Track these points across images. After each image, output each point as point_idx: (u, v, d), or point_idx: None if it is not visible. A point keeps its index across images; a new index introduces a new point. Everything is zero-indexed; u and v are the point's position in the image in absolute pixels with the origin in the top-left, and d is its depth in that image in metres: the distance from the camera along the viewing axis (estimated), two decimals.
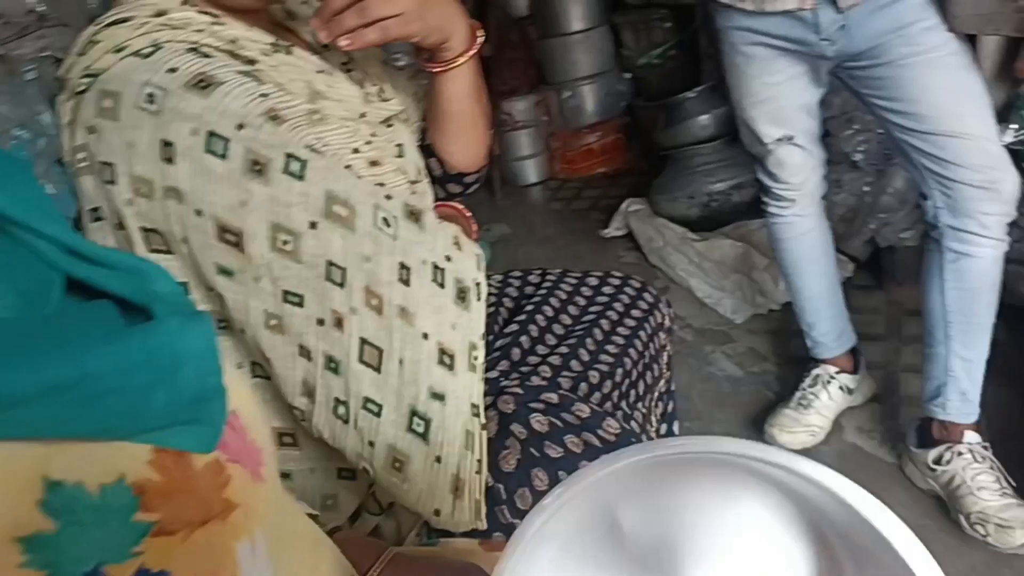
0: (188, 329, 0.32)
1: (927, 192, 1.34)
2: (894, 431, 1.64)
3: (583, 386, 0.95)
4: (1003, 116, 1.81)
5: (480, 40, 0.89)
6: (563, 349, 0.99)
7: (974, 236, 1.31)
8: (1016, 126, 1.75)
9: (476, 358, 0.77)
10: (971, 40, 1.33)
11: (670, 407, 1.15)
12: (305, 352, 0.72)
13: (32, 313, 0.31)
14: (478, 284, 0.79)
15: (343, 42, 0.76)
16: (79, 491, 0.27)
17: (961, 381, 1.41)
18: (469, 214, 0.96)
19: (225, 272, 0.71)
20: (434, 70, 0.88)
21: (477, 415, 0.76)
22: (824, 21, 1.26)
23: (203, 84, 0.69)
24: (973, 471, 1.40)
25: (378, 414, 0.73)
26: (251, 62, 0.76)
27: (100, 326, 0.32)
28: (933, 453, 1.45)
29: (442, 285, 0.76)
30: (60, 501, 0.27)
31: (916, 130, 1.28)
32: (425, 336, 0.74)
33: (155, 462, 0.30)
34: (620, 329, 1.05)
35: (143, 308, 0.33)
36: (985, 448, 1.43)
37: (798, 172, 1.50)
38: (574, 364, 0.97)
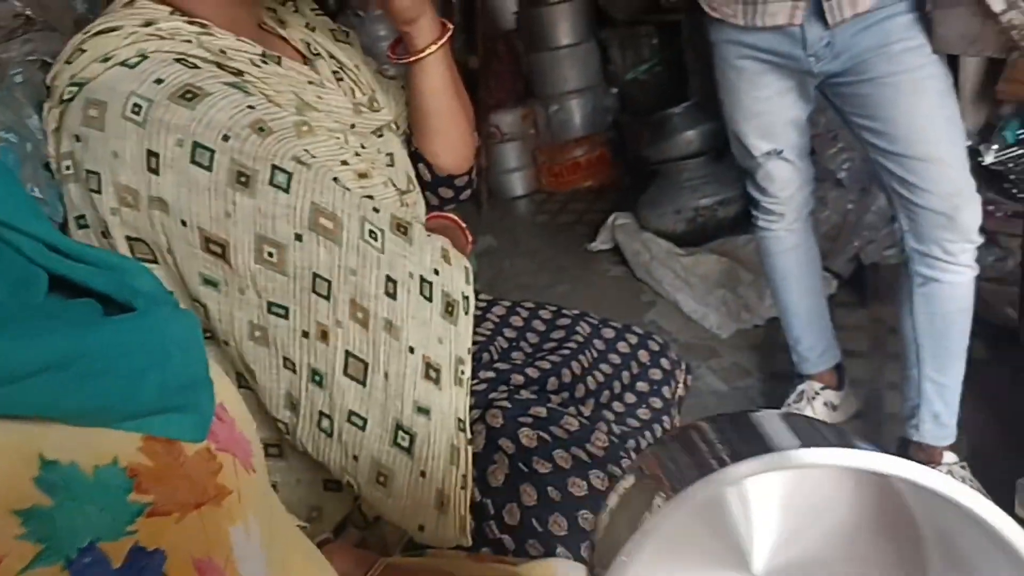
0: (175, 319, 0.33)
1: (895, 215, 1.36)
2: (877, 448, 1.65)
3: (570, 397, 0.94)
4: (984, 137, 1.84)
5: (449, 32, 0.90)
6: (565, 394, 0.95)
7: (939, 262, 1.32)
8: (997, 147, 1.78)
9: (463, 372, 0.77)
10: (953, 63, 1.35)
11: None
12: (290, 364, 0.72)
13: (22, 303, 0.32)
14: (466, 298, 0.79)
15: None
16: (73, 470, 0.28)
17: (934, 404, 1.41)
18: (464, 225, 0.96)
19: (210, 283, 0.71)
20: (407, 60, 0.89)
21: (463, 430, 0.76)
22: (811, 37, 1.28)
23: (189, 95, 0.69)
24: None
25: (363, 428, 0.73)
26: (239, 73, 0.75)
27: (87, 318, 0.32)
28: None
29: (429, 298, 0.76)
30: (55, 479, 0.27)
31: (888, 151, 1.30)
32: (411, 350, 0.74)
33: (145, 448, 0.31)
34: (630, 394, 1.01)
35: (125, 306, 0.34)
36: (963, 468, 1.44)
37: (786, 186, 1.51)
38: (565, 375, 0.96)
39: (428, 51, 0.88)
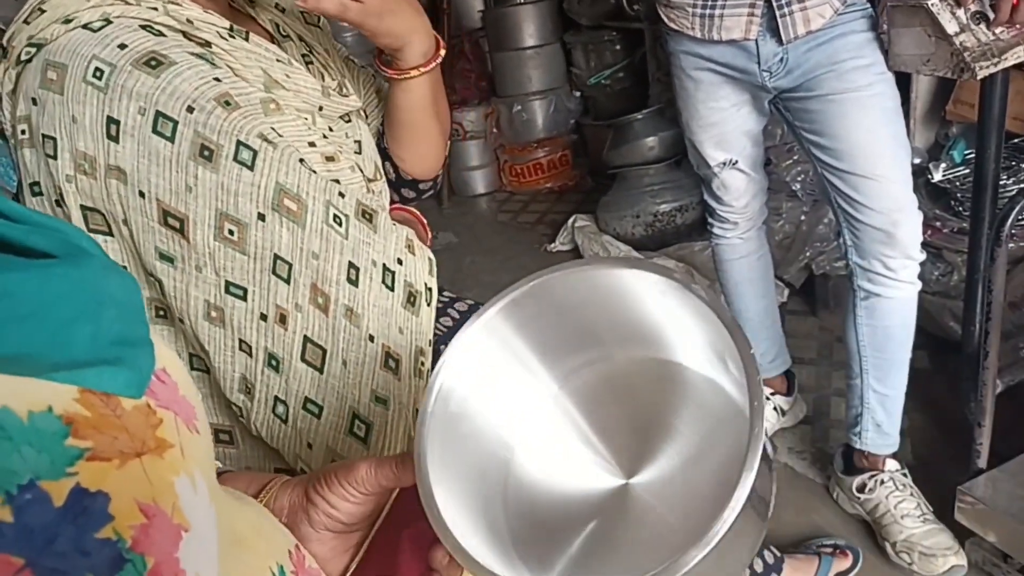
0: (111, 274, 0.33)
1: (840, 230, 1.40)
2: (824, 453, 1.69)
3: None
4: (934, 155, 1.89)
5: (439, 59, 0.86)
6: None
7: (881, 277, 1.35)
8: (945, 165, 1.83)
9: (423, 364, 0.77)
10: (905, 82, 1.38)
11: None
12: (245, 347, 0.71)
13: None
14: (429, 289, 0.79)
15: (299, 0, 0.73)
16: (6, 413, 0.27)
17: (876, 413, 1.45)
18: (424, 220, 0.95)
19: (166, 258, 0.69)
20: (389, 75, 0.87)
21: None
22: (765, 52, 1.30)
23: (154, 63, 0.67)
24: (895, 499, 1.43)
25: (318, 415, 0.72)
26: (206, 44, 0.73)
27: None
28: (857, 480, 1.49)
29: (391, 287, 0.75)
30: None
31: (834, 167, 1.33)
32: (371, 338, 0.73)
33: (82, 400, 0.30)
34: None
35: None
36: (905, 475, 1.48)
37: (741, 196, 1.53)
38: None
39: (411, 75, 0.84)
